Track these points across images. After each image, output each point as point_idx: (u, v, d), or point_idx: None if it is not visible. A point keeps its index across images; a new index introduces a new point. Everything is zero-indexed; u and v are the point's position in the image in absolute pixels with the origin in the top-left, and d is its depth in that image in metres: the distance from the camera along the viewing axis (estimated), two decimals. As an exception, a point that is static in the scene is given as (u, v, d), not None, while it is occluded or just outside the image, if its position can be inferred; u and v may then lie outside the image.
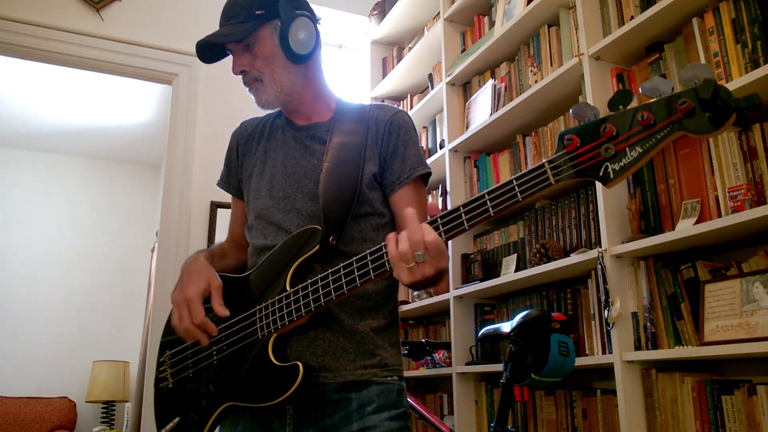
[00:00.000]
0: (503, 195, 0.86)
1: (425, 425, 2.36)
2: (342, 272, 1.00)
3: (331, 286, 1.01)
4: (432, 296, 2.65)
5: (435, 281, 0.92)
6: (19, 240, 5.34)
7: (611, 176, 0.78)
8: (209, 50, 1.24)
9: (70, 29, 2.90)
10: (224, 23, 1.22)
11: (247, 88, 1.25)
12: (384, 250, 0.95)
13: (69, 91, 4.56)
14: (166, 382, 1.23)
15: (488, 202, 0.87)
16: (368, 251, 0.98)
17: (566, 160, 0.82)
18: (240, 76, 1.25)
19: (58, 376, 5.14)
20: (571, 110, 0.76)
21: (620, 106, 0.79)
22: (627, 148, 0.77)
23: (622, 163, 0.77)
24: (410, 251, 0.88)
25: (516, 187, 0.85)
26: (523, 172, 0.85)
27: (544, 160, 0.84)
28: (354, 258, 0.99)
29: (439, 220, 0.91)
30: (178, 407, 1.18)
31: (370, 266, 0.97)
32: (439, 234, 0.90)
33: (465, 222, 0.89)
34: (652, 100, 0.76)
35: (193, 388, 1.17)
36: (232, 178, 1.38)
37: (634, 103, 0.80)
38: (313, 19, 1.26)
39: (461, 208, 0.89)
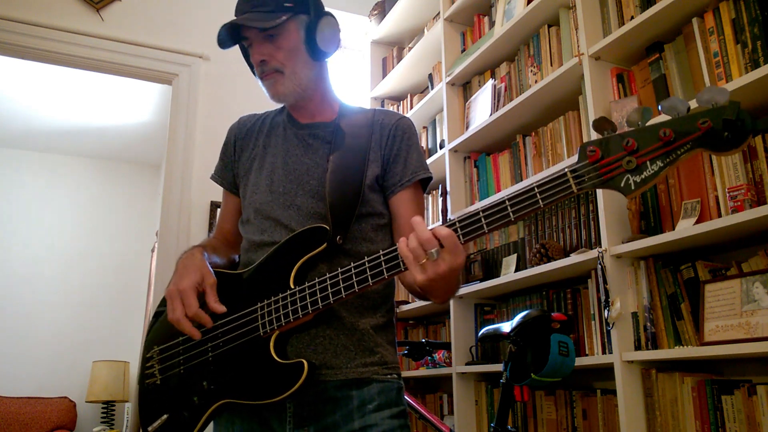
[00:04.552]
0: (524, 201, 0.87)
1: (425, 425, 2.36)
2: (353, 271, 1.00)
3: (341, 285, 1.01)
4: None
5: (450, 282, 0.94)
6: (19, 240, 5.34)
7: (632, 188, 0.81)
8: (228, 35, 1.23)
9: (70, 29, 2.90)
10: (248, 9, 1.21)
11: (261, 79, 1.24)
12: (398, 252, 0.95)
13: (69, 91, 4.56)
14: (153, 378, 1.20)
15: (509, 207, 0.88)
16: (381, 252, 0.98)
17: (589, 170, 0.83)
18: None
19: (58, 376, 5.14)
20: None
21: (639, 122, 0.81)
22: (648, 162, 0.79)
23: (643, 176, 0.80)
24: (422, 248, 0.89)
25: (538, 194, 0.86)
26: (543, 179, 0.86)
27: (565, 169, 0.85)
28: (366, 258, 0.99)
29: (457, 222, 0.92)
30: (167, 404, 1.16)
31: (384, 266, 0.97)
32: (458, 237, 0.91)
33: (485, 225, 0.90)
34: (672, 118, 0.79)
35: (184, 385, 1.15)
36: (226, 173, 1.37)
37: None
38: (336, 20, 1.27)
39: (481, 212, 0.90)
